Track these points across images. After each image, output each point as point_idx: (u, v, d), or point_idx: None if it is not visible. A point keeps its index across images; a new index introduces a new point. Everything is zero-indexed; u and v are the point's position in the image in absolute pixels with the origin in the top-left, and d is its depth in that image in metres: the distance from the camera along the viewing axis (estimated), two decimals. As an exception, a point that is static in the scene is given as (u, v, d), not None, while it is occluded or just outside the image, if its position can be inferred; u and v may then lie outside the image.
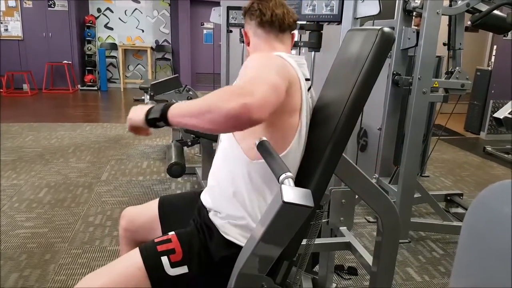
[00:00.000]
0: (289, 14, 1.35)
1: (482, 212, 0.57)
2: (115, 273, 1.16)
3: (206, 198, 1.34)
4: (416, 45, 2.53)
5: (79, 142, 4.71)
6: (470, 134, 6.09)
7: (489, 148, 5.09)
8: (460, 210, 3.28)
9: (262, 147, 1.06)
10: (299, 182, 1.25)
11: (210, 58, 9.50)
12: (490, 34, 6.92)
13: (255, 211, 1.22)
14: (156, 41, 9.41)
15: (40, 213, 2.89)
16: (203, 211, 1.33)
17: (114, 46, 9.10)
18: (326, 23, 1.90)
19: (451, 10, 2.47)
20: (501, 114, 1.63)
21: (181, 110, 1.02)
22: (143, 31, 9.30)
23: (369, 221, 3.04)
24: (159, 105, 1.07)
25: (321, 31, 1.94)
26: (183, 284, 1.18)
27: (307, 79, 1.30)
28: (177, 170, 2.91)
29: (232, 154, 1.26)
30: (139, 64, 9.46)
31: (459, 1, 2.47)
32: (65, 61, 8.30)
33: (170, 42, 9.49)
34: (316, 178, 1.24)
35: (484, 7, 2.54)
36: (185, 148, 3.56)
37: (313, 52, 2.00)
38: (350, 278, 2.32)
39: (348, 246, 1.91)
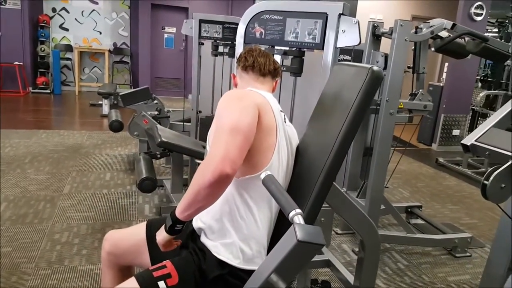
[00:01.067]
0: (270, 62, 1.51)
1: None
2: None
3: (197, 222, 1.38)
4: (385, 68, 2.65)
5: (35, 151, 4.51)
6: (423, 145, 6.40)
7: (441, 160, 5.39)
8: (419, 221, 3.46)
9: (268, 182, 1.10)
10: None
11: (170, 63, 9.41)
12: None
13: (243, 228, 1.28)
14: (114, 44, 9.19)
15: (1, 231, 2.76)
16: (194, 235, 1.40)
17: (69, 48, 8.80)
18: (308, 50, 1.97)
19: (417, 37, 2.62)
20: (468, 141, 1.74)
21: (183, 207, 1.20)
22: (100, 33, 9.05)
23: (337, 233, 3.13)
24: (168, 217, 1.27)
25: (303, 57, 2.00)
26: None
27: (281, 111, 1.42)
28: (148, 185, 2.87)
29: None
30: (95, 67, 9.20)
31: (424, 29, 2.62)
32: (16, 62, 7.92)
33: (129, 45, 9.30)
34: (309, 207, 1.30)
35: (445, 35, 2.71)
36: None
37: (294, 77, 2.06)
38: (323, 293, 2.39)
39: (327, 264, 1.99)
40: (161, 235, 1.29)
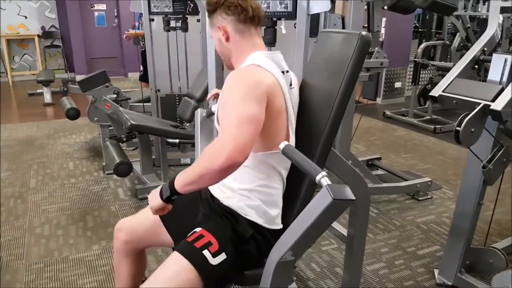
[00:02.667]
0: (260, 8, 1.41)
1: None
2: (170, 284, 1.22)
3: (218, 189, 1.44)
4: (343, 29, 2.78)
5: (-14, 149, 4.30)
6: (368, 101, 6.72)
7: (388, 112, 5.72)
8: (380, 172, 3.72)
9: (288, 151, 1.20)
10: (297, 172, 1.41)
11: (105, 41, 9.03)
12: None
13: (263, 194, 1.37)
14: (43, 28, 8.66)
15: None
16: (216, 200, 1.43)
17: (-6, 37, 8.19)
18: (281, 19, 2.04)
19: (371, -2, 2.76)
20: (435, 92, 1.93)
21: (184, 180, 1.21)
22: (26, 17, 8.47)
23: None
24: (165, 185, 1.27)
25: (275, 27, 2.08)
26: (224, 269, 1.28)
27: (287, 71, 1.43)
28: (124, 169, 2.87)
29: None
30: (25, 54, 8.66)
31: (377, -11, 2.77)
32: None
33: (58, 27, 8.80)
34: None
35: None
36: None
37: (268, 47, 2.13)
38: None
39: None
40: (156, 201, 1.29)
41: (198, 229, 1.33)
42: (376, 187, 3.12)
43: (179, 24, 3.68)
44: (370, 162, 3.79)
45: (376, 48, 2.94)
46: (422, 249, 2.57)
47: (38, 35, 8.52)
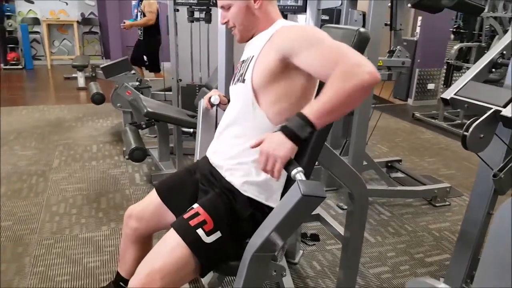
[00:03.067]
0: None
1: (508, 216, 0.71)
2: (166, 259, 1.24)
3: (220, 162, 1.42)
4: (363, 26, 2.72)
5: (19, 128, 4.49)
6: (399, 101, 6.57)
7: (417, 114, 5.57)
8: (399, 174, 3.64)
9: None
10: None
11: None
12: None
13: None
14: (82, 14, 8.94)
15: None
16: (217, 175, 1.41)
17: (36, 21, 8.52)
18: (291, 13, 2.02)
19: (394, -5, 2.69)
20: (447, 95, 1.86)
21: (325, 111, 1.07)
22: (67, 4, 8.78)
23: (342, 209, 3.06)
24: (293, 122, 1.08)
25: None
26: (219, 248, 1.29)
27: None
28: (138, 154, 2.95)
29: (253, 120, 1.34)
30: (65, 39, 8.97)
31: (401, -14, 2.70)
32: (-17, 39, 7.68)
33: (97, 14, 9.06)
34: (304, 163, 1.40)
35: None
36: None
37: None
38: (314, 244, 2.55)
39: (317, 217, 2.12)
40: (285, 150, 1.08)
41: (195, 206, 1.33)
42: (389, 190, 3.06)
43: (202, 15, 3.70)
44: (389, 164, 3.71)
45: (398, 47, 2.87)
46: (431, 256, 2.50)
47: (78, 21, 8.81)
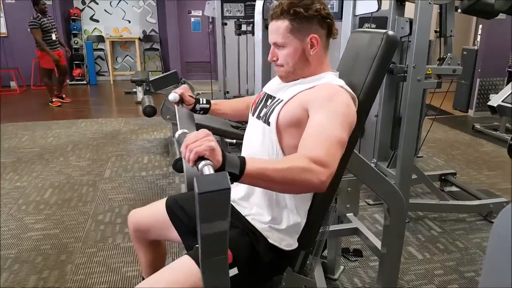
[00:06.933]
0: None
1: (508, 222, 0.64)
2: (175, 284, 1.20)
3: (248, 209, 1.37)
4: (410, 34, 2.60)
5: (76, 140, 4.74)
6: (459, 112, 6.23)
7: (477, 126, 5.24)
8: (454, 188, 3.42)
9: None
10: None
11: (199, 46, 9.47)
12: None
13: (292, 219, 1.31)
14: (144, 31, 9.35)
15: (48, 214, 2.95)
16: (239, 216, 1.37)
17: (101, 39, 9.03)
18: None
19: (442, -1, 2.56)
20: (494, 102, 1.72)
21: (263, 176, 1.01)
22: (129, 21, 9.22)
23: (369, 204, 3.15)
24: (234, 159, 1.00)
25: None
26: (233, 284, 1.25)
27: None
28: (182, 165, 2.98)
29: None
30: (127, 55, 9.41)
31: (449, -10, 2.55)
32: (52, 57, 8.21)
33: (158, 31, 9.43)
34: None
35: (473, -6, 2.62)
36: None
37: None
38: (356, 260, 2.44)
39: (355, 231, 2.02)
40: (215, 156, 0.96)
41: None
42: (439, 204, 2.87)
43: (249, 28, 3.74)
44: (443, 177, 3.49)
45: (448, 54, 2.71)
46: (485, 277, 2.31)
47: (139, 38, 9.21)
